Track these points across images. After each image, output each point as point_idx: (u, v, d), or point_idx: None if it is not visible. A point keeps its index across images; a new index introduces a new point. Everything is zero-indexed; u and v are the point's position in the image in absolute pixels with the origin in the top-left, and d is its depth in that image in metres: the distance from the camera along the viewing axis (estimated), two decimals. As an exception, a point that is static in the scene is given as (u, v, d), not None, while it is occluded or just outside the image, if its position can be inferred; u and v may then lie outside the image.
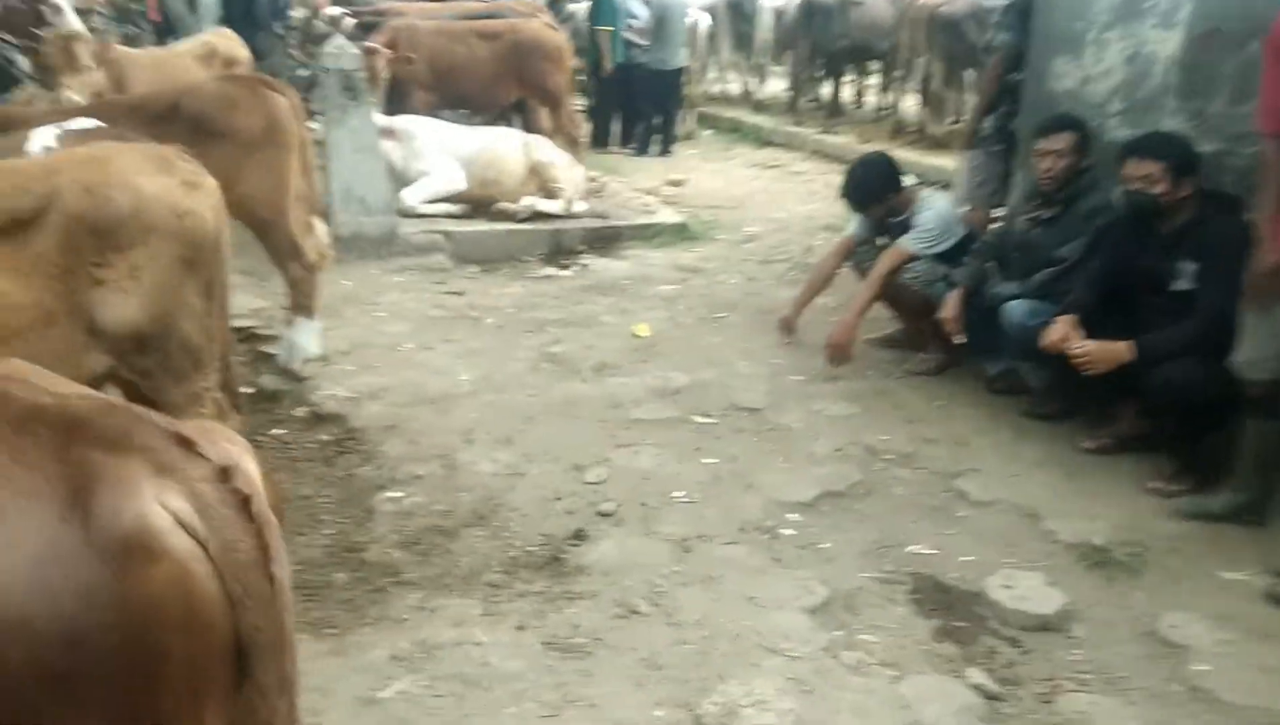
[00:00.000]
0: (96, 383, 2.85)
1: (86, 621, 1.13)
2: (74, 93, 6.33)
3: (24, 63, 6.52)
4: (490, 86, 9.45)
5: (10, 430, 1.22)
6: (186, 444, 1.33)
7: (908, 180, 5.80)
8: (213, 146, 4.70)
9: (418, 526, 3.94)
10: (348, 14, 9.90)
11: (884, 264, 5.37)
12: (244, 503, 1.32)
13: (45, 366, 2.70)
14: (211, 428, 1.48)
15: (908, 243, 5.36)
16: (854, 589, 3.61)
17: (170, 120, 4.71)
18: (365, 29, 9.64)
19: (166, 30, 10.93)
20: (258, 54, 11.09)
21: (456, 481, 4.31)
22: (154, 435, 1.32)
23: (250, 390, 5.25)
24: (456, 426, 4.84)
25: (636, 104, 12.24)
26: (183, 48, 8.46)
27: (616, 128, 12.64)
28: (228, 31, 8.87)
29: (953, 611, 3.53)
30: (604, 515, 4.07)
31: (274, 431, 4.85)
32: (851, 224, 5.86)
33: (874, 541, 3.93)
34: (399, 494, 4.20)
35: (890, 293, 5.53)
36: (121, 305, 2.75)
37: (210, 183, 3.00)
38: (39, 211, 2.63)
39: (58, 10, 7.82)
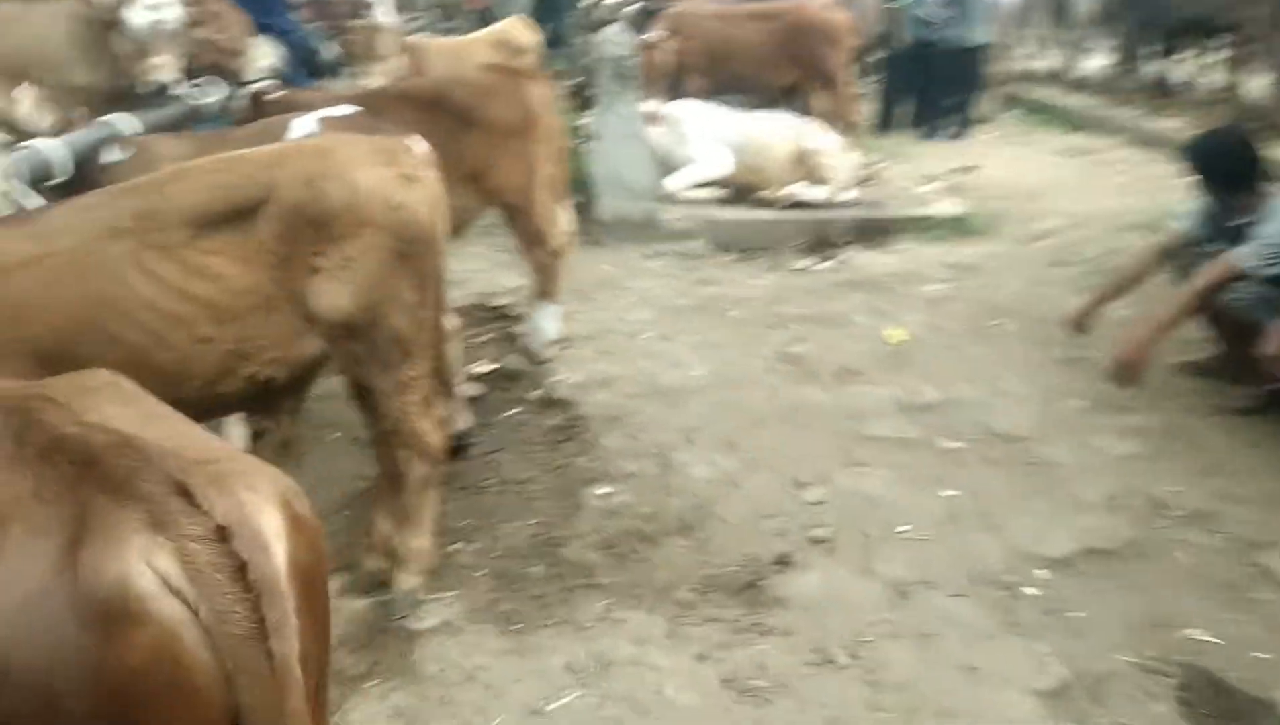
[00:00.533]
0: (314, 366, 2.98)
1: (63, 682, 1.07)
2: (375, 79, 6.86)
3: (330, 51, 7.14)
4: (765, 69, 9.17)
5: (37, 458, 1.19)
6: (188, 495, 1.23)
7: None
8: (471, 135, 4.87)
9: (620, 528, 3.83)
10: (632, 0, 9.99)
11: (1207, 276, 4.32)
12: (240, 568, 1.21)
13: (266, 348, 2.92)
14: (237, 472, 1.37)
15: (1243, 256, 4.27)
16: (1104, 673, 3.03)
17: (435, 109, 4.90)
18: (648, 15, 9.69)
19: (492, 19, 11.62)
20: (559, 41, 11.55)
21: (668, 483, 4.16)
22: (157, 482, 1.23)
23: (494, 367, 5.45)
24: (680, 423, 4.68)
25: (930, 84, 11.39)
26: (477, 36, 8.94)
27: (907, 109, 11.86)
28: (522, 19, 9.26)
29: (1230, 721, 2.86)
30: (816, 542, 3.74)
31: (510, 412, 4.97)
32: (1182, 218, 4.87)
33: (1140, 617, 3.29)
34: (609, 490, 4.11)
35: (1210, 310, 4.60)
36: (334, 294, 2.84)
37: (430, 177, 3.02)
38: (261, 201, 2.77)
39: (371, 4, 8.59)
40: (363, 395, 3.09)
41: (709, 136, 8.23)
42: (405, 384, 3.08)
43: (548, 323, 5.38)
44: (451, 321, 4.30)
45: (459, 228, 5.07)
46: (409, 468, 3.23)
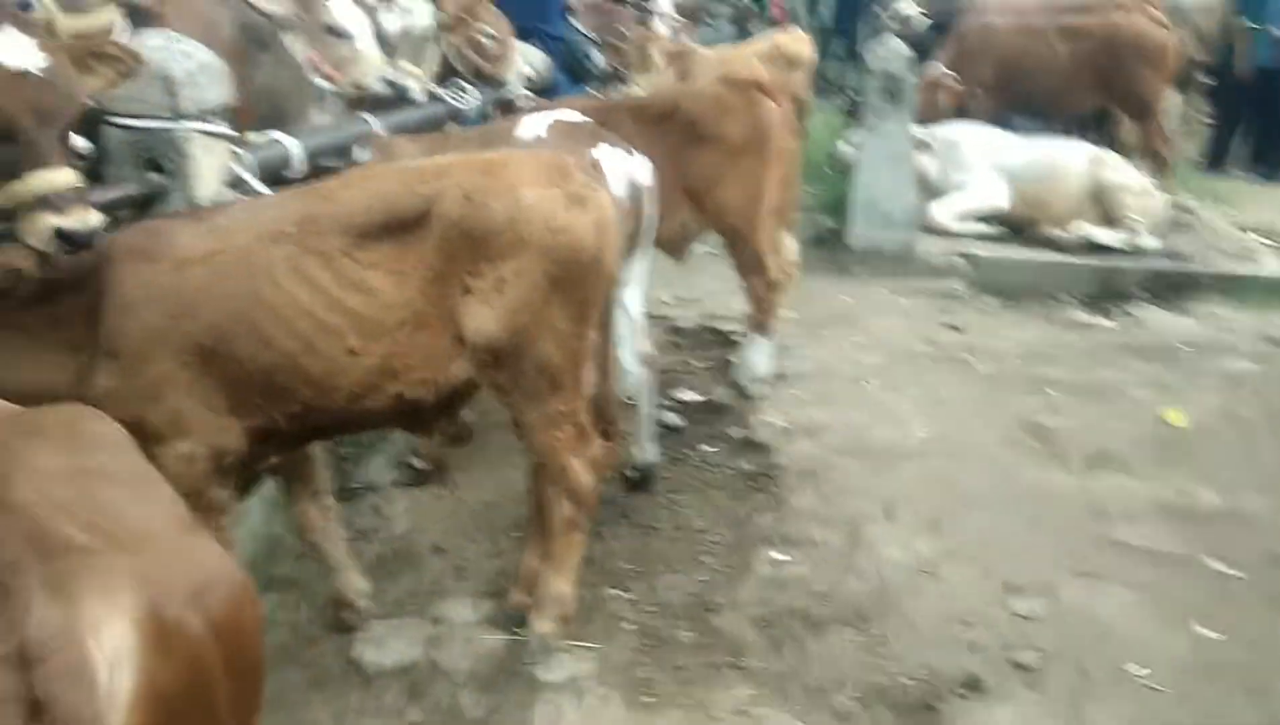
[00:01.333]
0: (465, 392, 2.85)
1: None
2: (638, 87, 6.81)
3: (599, 58, 7.17)
4: (1066, 92, 8.12)
5: None
6: (11, 597, 1.02)
7: None
8: (700, 150, 4.61)
9: (786, 604, 3.41)
10: (923, 13, 9.29)
11: None
12: (34, 707, 0.98)
13: (414, 368, 2.82)
14: (100, 569, 1.14)
15: None
16: None
17: (668, 121, 4.70)
18: (938, 29, 8.97)
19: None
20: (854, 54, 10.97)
21: (853, 561, 3.67)
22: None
23: (702, 399, 5.16)
24: (883, 491, 4.15)
25: (1275, 117, 9.70)
26: (751, 47, 8.69)
27: (1245, 146, 10.19)
28: (797, 31, 8.90)
29: None
30: (1018, 667, 3.12)
31: (703, 447, 4.67)
32: None
33: None
34: (784, 557, 3.70)
35: None
36: (483, 317, 2.68)
37: (601, 199, 2.79)
38: (421, 214, 2.67)
39: (653, 12, 8.60)
40: (516, 424, 2.92)
41: (987, 163, 7.45)
42: (553, 418, 2.86)
43: (758, 358, 5.01)
44: (643, 350, 4.07)
45: (677, 247, 4.84)
46: (555, 507, 3.02)
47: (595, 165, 3.55)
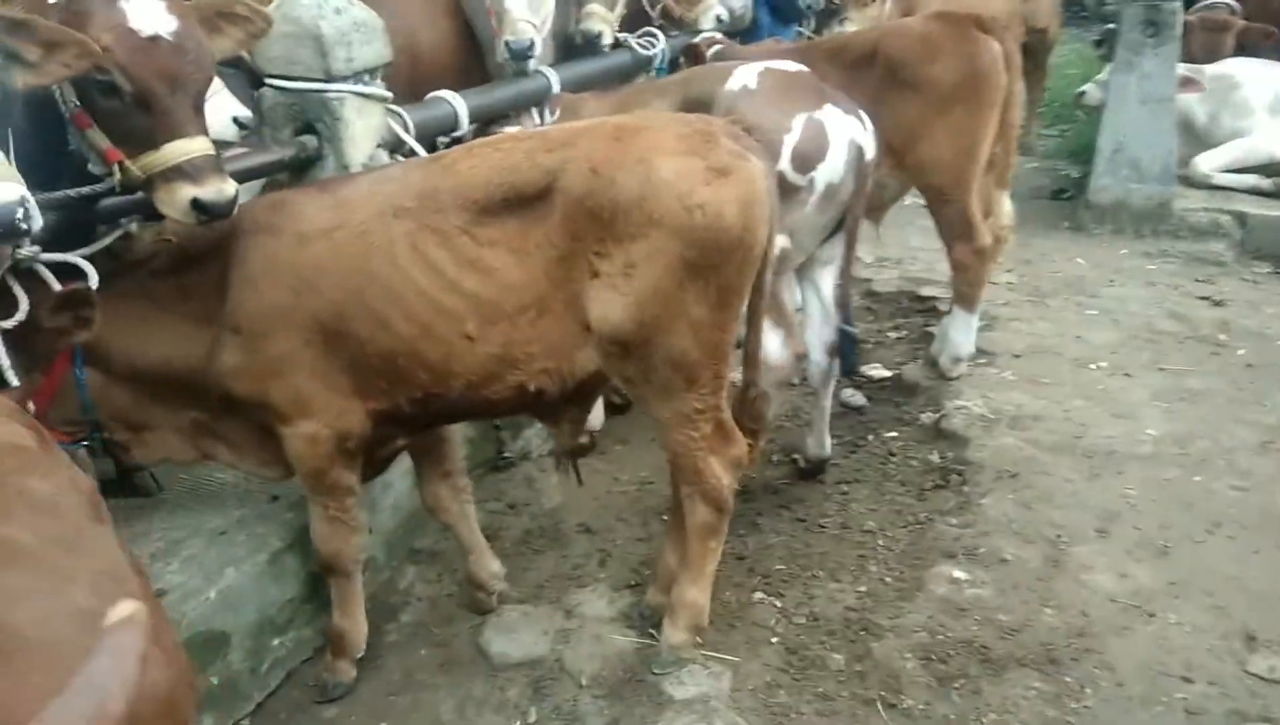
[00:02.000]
0: (595, 382, 2.60)
1: None
2: (854, 25, 6.21)
3: (816, -6, 6.60)
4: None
5: None
6: None
7: None
8: (902, 98, 4.06)
9: (961, 635, 2.96)
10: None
11: None
12: None
13: (536, 357, 2.58)
14: None
15: None
16: None
17: (866, 66, 4.17)
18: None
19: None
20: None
21: (1051, 588, 3.14)
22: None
23: (888, 374, 4.67)
24: (1099, 502, 3.54)
25: None
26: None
27: None
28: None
29: None
30: (1249, 748, 2.53)
31: (886, 432, 4.21)
32: None
33: None
34: (964, 575, 3.22)
35: None
36: (609, 303, 2.40)
37: (750, 170, 2.40)
38: (544, 188, 2.40)
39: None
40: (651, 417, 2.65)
41: (1273, 106, 6.24)
42: (688, 415, 2.56)
43: (960, 335, 4.43)
44: (830, 338, 3.64)
45: (872, 209, 4.34)
46: (691, 509, 2.74)
47: (812, 127, 3.20)
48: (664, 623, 2.88)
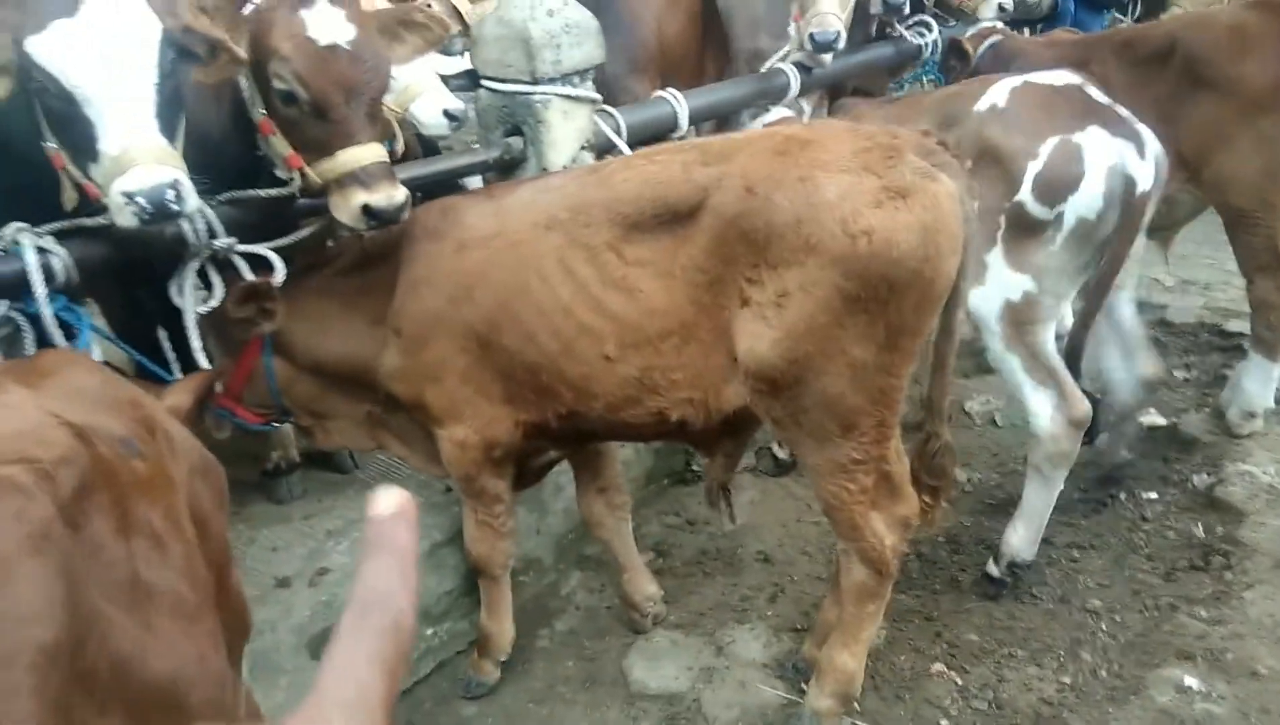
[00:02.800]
0: (746, 418, 2.37)
1: None
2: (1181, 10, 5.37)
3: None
4: None
5: None
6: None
7: None
8: (1202, 101, 3.42)
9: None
10: None
11: None
12: None
13: (678, 386, 2.38)
14: None
15: None
16: None
17: (1161, 62, 3.54)
18: None
19: None
20: None
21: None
22: None
23: (1165, 424, 3.97)
24: None
25: None
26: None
27: None
28: None
29: None
30: None
31: (1144, 493, 3.58)
32: None
33: None
34: (1198, 685, 2.65)
35: None
36: (757, 336, 2.15)
37: (934, 192, 2.05)
38: (696, 206, 2.19)
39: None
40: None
41: None
42: (843, 466, 2.27)
43: (1255, 385, 3.65)
44: (1146, 371, 3.12)
45: (1162, 229, 3.69)
46: (847, 568, 2.45)
47: (1065, 152, 2.75)
48: (810, 683, 2.61)
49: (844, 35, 3.79)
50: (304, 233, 2.68)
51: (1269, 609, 2.88)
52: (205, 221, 2.47)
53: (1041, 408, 2.90)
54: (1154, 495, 3.56)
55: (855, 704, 2.60)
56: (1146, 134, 2.80)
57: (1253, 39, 3.27)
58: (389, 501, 0.59)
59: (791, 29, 3.88)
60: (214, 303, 2.53)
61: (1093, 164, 2.75)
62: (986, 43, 4.30)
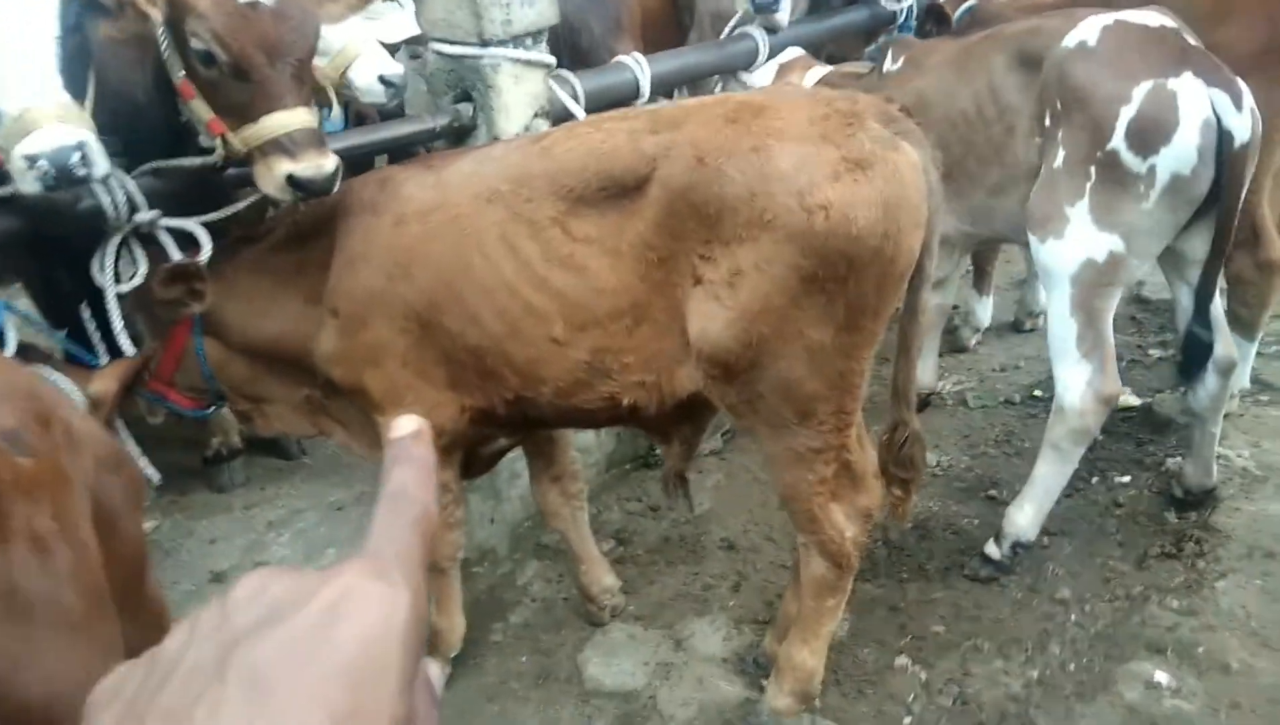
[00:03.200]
0: (700, 402, 2.23)
1: None
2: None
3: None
4: None
5: None
6: None
7: None
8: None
9: (1148, 763, 2.34)
10: None
11: None
12: None
13: (630, 369, 2.25)
14: None
15: None
16: None
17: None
18: None
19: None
20: None
21: (1290, 723, 2.41)
22: None
23: (1139, 403, 3.87)
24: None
25: None
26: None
27: None
28: None
29: None
30: None
31: (1117, 477, 3.49)
32: None
33: None
34: (1168, 680, 2.56)
35: None
36: (710, 316, 2.02)
37: (896, 162, 1.92)
38: (644, 177, 2.05)
39: None
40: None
41: None
42: (801, 455, 2.15)
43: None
44: (1227, 353, 2.99)
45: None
46: (806, 560, 2.34)
47: (1159, 99, 2.60)
48: (769, 681, 2.51)
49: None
50: (236, 207, 2.52)
51: (1241, 599, 2.80)
52: (125, 193, 2.31)
53: (1075, 381, 2.78)
54: (1126, 479, 3.47)
55: (815, 701, 2.49)
56: (1240, 84, 2.65)
57: (1235, 2, 3.14)
58: (407, 425, 0.63)
59: None
60: (136, 282, 2.37)
61: (1187, 113, 2.59)
62: (964, 5, 4.15)
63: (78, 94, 2.06)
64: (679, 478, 2.52)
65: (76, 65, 2.04)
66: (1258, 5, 3.12)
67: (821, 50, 4.52)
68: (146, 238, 2.40)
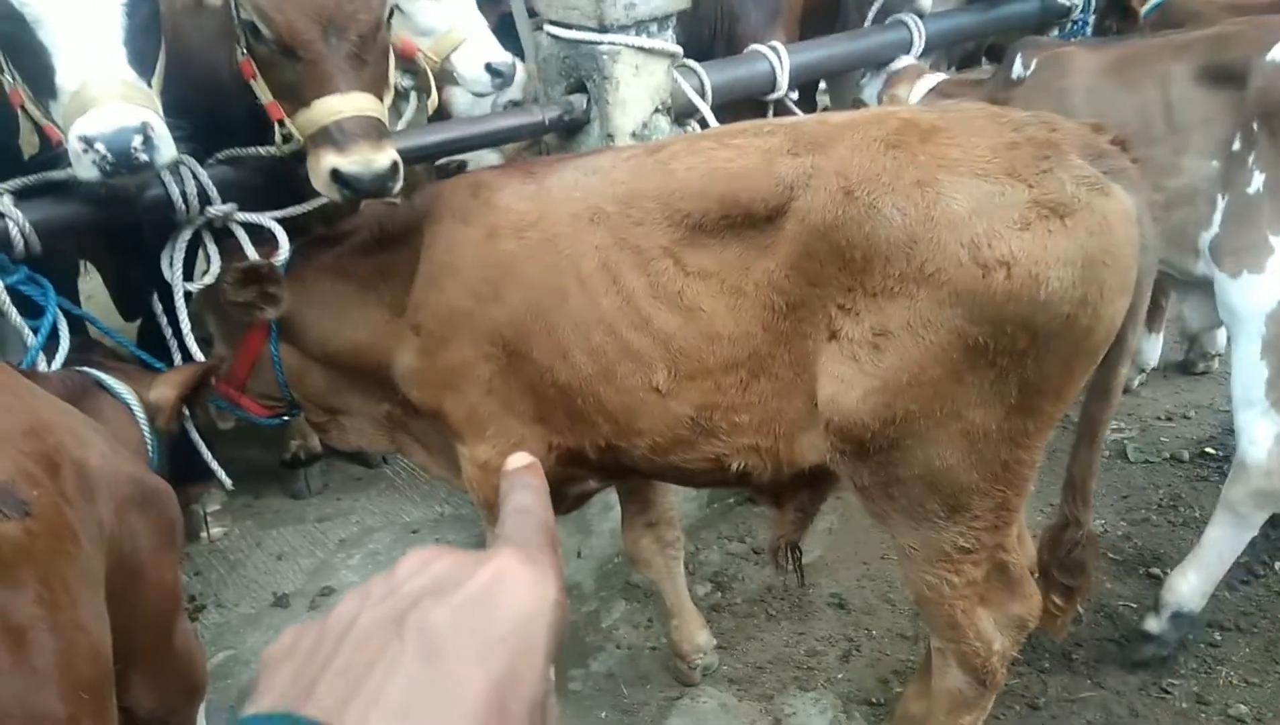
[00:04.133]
0: (819, 473, 1.86)
1: None
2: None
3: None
4: None
5: None
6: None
7: None
8: None
9: None
10: None
11: None
12: None
13: (741, 430, 1.87)
14: None
15: None
16: None
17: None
18: None
19: None
20: None
21: None
22: None
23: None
24: None
25: None
26: None
27: None
28: None
29: None
30: None
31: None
32: None
33: None
34: None
35: None
36: (845, 382, 1.66)
37: (1106, 210, 1.49)
38: (779, 208, 1.69)
39: None
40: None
41: None
42: (946, 553, 1.77)
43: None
44: None
45: None
46: (941, 669, 1.96)
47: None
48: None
49: None
50: (314, 203, 2.28)
51: None
52: (197, 183, 2.10)
53: (1264, 434, 2.42)
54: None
55: (934, 822, 2.12)
56: None
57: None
58: (520, 459, 0.68)
59: None
60: (208, 281, 2.17)
61: None
62: (1153, 0, 3.60)
63: (145, 70, 1.84)
64: (790, 547, 2.17)
65: (145, 38, 1.83)
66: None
67: (982, 46, 4.03)
68: (221, 232, 2.19)
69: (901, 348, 1.60)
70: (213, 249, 2.18)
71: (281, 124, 1.98)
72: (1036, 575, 1.95)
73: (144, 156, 1.76)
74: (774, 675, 2.68)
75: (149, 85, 1.84)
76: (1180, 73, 2.63)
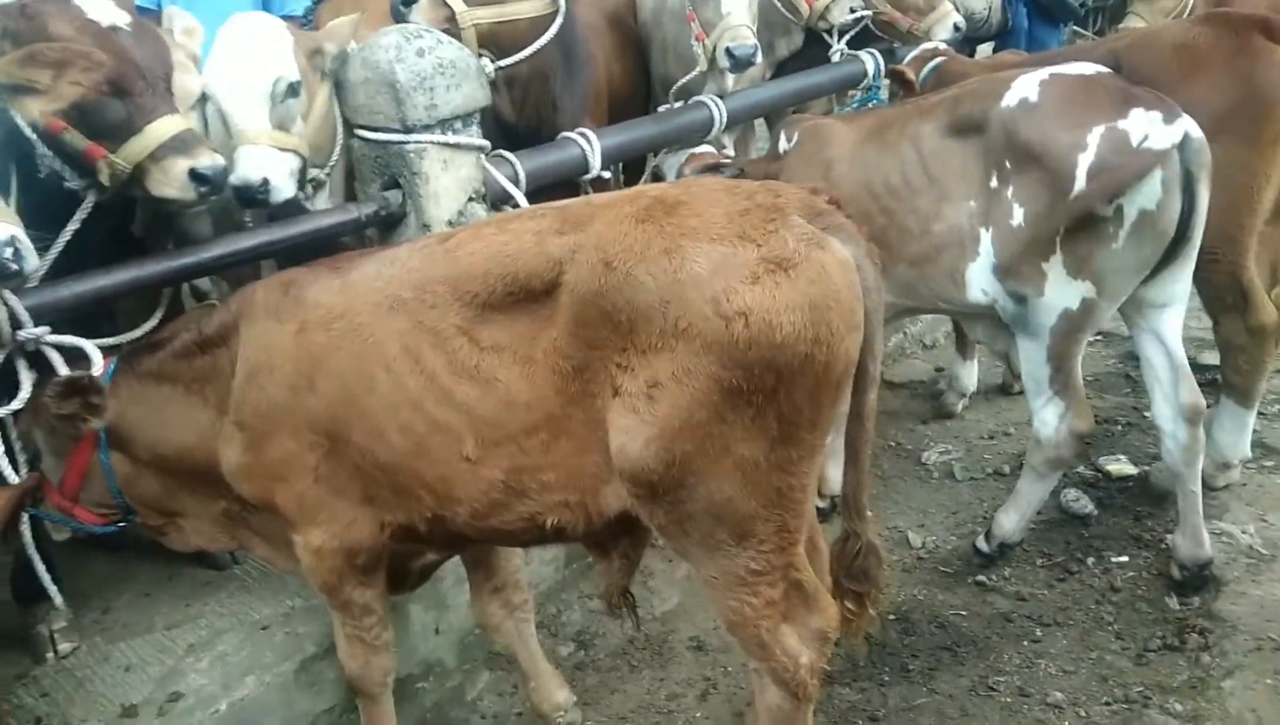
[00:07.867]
0: (632, 520, 2.03)
1: None
2: (1140, 21, 5.07)
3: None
4: None
5: None
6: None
7: None
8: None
9: None
10: None
11: None
12: None
13: (550, 488, 1.99)
14: None
15: None
16: None
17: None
18: None
19: None
20: None
21: None
22: None
23: (1134, 472, 3.64)
24: None
25: None
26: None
27: None
28: None
29: None
30: None
31: (1113, 557, 3.26)
32: None
33: None
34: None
35: None
36: (628, 432, 1.84)
37: (823, 262, 1.73)
38: (552, 282, 1.88)
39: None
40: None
41: None
42: (741, 578, 1.95)
43: (1228, 435, 3.35)
44: (1190, 401, 2.90)
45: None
46: (760, 689, 2.11)
47: (1113, 140, 2.61)
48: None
49: (759, 50, 3.47)
50: (136, 333, 2.40)
51: (1250, 701, 2.55)
52: (6, 308, 2.16)
53: (1050, 416, 2.99)
54: (1124, 559, 3.24)
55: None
56: (1172, 103, 2.68)
57: (1199, 55, 2.98)
58: None
59: (697, 49, 3.55)
60: (15, 406, 2.21)
61: (1144, 150, 2.59)
62: (929, 65, 4.02)
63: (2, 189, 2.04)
64: (622, 593, 2.31)
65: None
66: (1224, 63, 2.96)
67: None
68: (35, 355, 2.24)
69: (671, 396, 1.79)
70: (24, 374, 2.23)
71: (106, 160, 2.18)
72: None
73: (13, 266, 1.99)
74: (636, 721, 2.79)
75: (7, 203, 2.10)
76: (929, 131, 3.00)
